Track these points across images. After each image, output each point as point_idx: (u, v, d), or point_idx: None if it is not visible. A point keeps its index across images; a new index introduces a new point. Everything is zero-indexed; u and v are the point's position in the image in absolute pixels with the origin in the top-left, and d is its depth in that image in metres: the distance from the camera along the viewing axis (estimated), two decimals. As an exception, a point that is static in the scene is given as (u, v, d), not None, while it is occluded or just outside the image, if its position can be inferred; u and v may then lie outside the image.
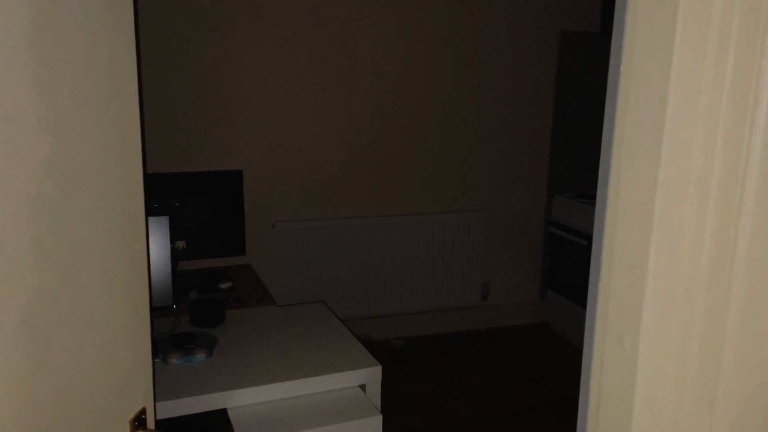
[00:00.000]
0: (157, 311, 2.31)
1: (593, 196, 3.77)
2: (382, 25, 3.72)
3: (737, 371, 0.40)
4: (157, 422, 1.12)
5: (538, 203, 4.31)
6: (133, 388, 1.02)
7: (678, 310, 0.42)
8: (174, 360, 1.93)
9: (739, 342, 0.40)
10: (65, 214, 0.86)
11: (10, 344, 0.78)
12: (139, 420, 1.01)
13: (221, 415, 1.79)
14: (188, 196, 2.90)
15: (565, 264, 4.08)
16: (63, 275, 0.86)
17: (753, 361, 0.40)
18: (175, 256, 2.37)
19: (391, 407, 3.22)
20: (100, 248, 0.92)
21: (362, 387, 1.96)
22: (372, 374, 1.96)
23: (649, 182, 0.41)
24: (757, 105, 0.40)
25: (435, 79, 3.90)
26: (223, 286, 2.78)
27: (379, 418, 1.81)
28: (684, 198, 0.41)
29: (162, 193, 2.90)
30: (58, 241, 0.85)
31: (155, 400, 1.11)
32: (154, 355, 1.95)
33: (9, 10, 0.75)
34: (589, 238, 3.74)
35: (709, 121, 0.41)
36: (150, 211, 2.16)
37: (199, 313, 2.22)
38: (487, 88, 4.03)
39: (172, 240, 2.24)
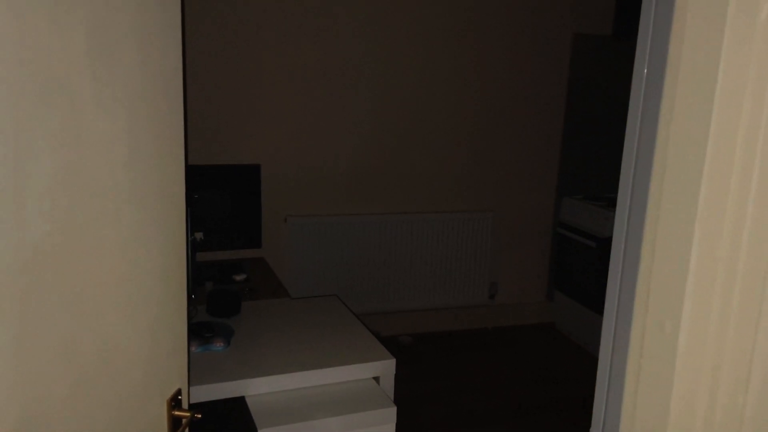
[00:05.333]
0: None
1: (602, 198, 3.76)
2: (399, 26, 3.76)
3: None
4: (190, 404, 1.17)
5: (548, 205, 4.34)
6: (171, 370, 1.06)
7: (715, 300, 0.46)
8: (193, 348, 1.98)
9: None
10: (115, 198, 0.90)
11: (59, 319, 0.83)
12: (175, 400, 1.06)
13: (240, 403, 1.83)
14: (207, 189, 2.95)
15: (573, 265, 4.11)
16: (117, 255, 0.91)
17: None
18: (194, 247, 2.41)
19: (398, 402, 3.26)
20: (145, 232, 0.97)
21: (376, 380, 2.00)
22: (386, 367, 2.00)
23: (692, 187, 0.45)
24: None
25: (448, 80, 3.94)
26: (238, 278, 2.82)
27: (393, 410, 1.85)
28: (725, 200, 0.45)
29: (180, 185, 2.94)
30: (110, 223, 0.89)
31: (189, 384, 1.15)
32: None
33: (70, 15, 0.79)
34: (597, 240, 3.77)
35: (750, 129, 0.45)
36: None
37: (217, 303, 2.27)
38: (500, 89, 4.06)
39: (191, 231, 2.28)
